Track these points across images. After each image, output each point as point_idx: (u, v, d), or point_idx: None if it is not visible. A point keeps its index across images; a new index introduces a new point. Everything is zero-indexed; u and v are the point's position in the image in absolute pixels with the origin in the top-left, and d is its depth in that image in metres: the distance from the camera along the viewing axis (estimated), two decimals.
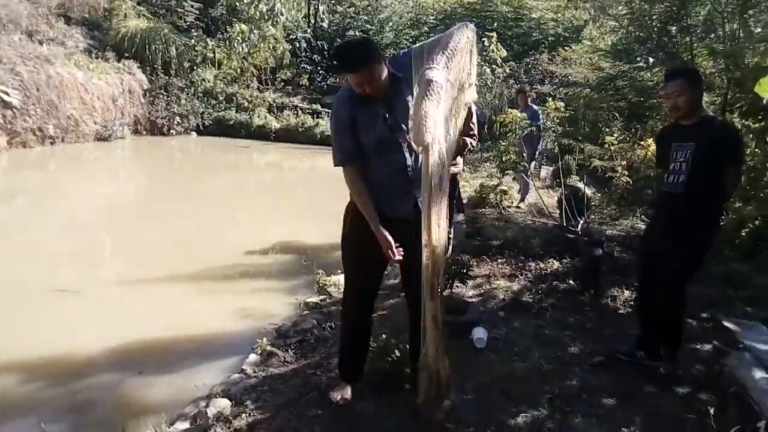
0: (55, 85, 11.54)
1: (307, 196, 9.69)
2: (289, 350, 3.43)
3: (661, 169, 3.22)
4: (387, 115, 2.33)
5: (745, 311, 3.70)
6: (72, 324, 3.94)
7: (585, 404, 2.73)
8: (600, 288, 4.19)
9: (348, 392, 2.68)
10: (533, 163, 7.33)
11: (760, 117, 4.90)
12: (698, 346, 3.44)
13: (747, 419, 2.19)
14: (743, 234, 4.99)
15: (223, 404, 2.77)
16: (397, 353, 2.78)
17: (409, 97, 2.24)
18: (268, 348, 3.41)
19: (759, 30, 5.04)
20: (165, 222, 6.91)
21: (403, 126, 2.32)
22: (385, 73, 2.31)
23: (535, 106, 7.45)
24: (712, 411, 2.42)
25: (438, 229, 2.15)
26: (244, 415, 2.69)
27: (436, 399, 2.33)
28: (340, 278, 4.64)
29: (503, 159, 5.02)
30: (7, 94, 10.10)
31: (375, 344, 2.84)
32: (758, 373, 2.29)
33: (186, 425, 2.61)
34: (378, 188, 2.40)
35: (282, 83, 17.59)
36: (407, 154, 2.39)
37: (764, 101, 4.65)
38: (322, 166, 12.89)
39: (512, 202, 7.11)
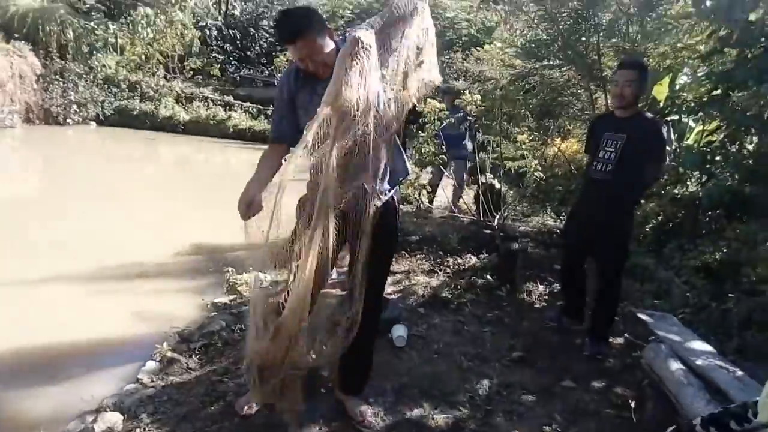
0: None
1: (218, 192, 9.19)
2: (193, 356, 3.13)
3: (588, 156, 3.43)
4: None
5: (654, 304, 3.82)
6: None
7: (505, 401, 2.68)
8: (516, 283, 4.20)
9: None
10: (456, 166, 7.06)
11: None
12: (611, 340, 3.50)
13: (665, 411, 2.19)
14: (647, 229, 5.20)
15: (114, 419, 2.45)
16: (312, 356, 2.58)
17: None
18: (169, 354, 3.09)
19: (654, 32, 5.24)
20: (61, 219, 6.26)
21: None
22: (329, 48, 2.09)
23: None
24: (632, 404, 2.43)
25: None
26: (138, 430, 2.39)
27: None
28: (251, 276, 4.36)
29: (422, 152, 4.93)
30: None
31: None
32: (674, 365, 2.31)
33: None
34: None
35: (191, 72, 16.78)
36: None
37: (660, 104, 4.91)
38: (234, 161, 12.41)
39: (431, 198, 7.07)
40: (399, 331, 3.13)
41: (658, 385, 2.35)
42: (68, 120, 13.56)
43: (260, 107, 15.29)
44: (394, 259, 4.53)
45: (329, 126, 1.87)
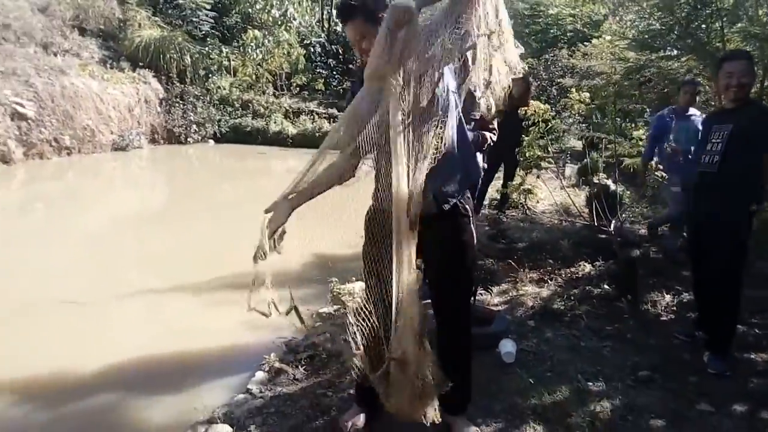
0: (70, 95, 11.47)
1: (326, 202, 9.43)
2: (299, 366, 3.15)
3: (698, 149, 3.27)
4: None
5: None
6: (73, 339, 3.70)
7: (631, 427, 2.40)
8: (638, 293, 3.83)
9: (361, 420, 2.38)
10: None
11: None
12: (753, 356, 3.08)
13: None
14: None
15: (224, 430, 2.50)
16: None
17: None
18: (277, 365, 3.13)
19: None
20: (181, 232, 6.70)
21: None
22: None
23: (697, 114, 4.87)
24: None
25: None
26: None
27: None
28: (355, 286, 4.35)
29: (527, 155, 4.68)
30: (22, 105, 10.04)
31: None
32: None
33: None
34: None
35: (297, 89, 17.44)
36: None
37: None
38: None
39: (537, 202, 6.75)
40: (507, 347, 2.94)
41: None
42: (189, 139, 14.59)
43: None
44: (497, 267, 4.37)
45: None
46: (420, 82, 1.82)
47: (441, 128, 1.89)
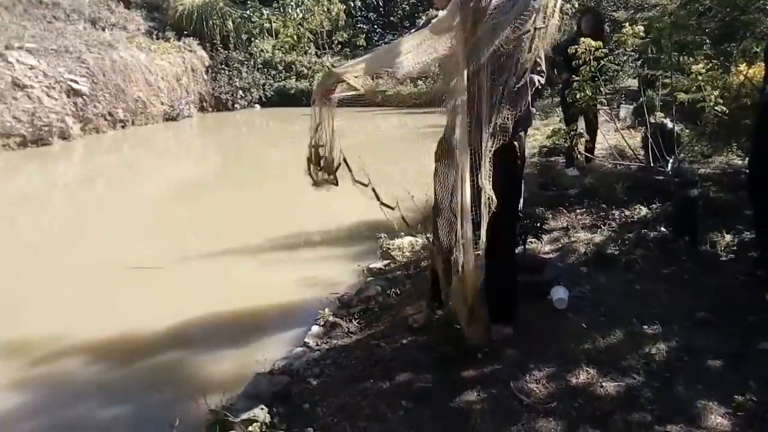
0: (120, 69, 11.79)
1: (371, 160, 9.44)
2: (353, 320, 3.24)
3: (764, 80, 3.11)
4: None
5: None
6: (140, 301, 3.94)
7: (688, 368, 2.36)
8: (697, 234, 3.69)
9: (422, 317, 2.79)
10: None
11: None
12: None
13: None
14: None
15: (285, 381, 2.63)
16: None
17: None
18: (331, 319, 3.23)
19: None
20: (234, 196, 6.92)
21: None
22: None
23: None
24: None
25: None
26: (306, 392, 2.53)
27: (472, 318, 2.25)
28: (403, 241, 4.40)
29: (577, 97, 4.49)
30: (76, 82, 10.42)
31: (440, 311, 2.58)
32: None
33: (246, 404, 2.47)
34: None
35: (339, 46, 17.27)
36: None
37: None
38: (384, 128, 12.64)
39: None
40: (559, 293, 2.92)
41: None
42: (236, 105, 14.80)
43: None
44: (551, 215, 4.30)
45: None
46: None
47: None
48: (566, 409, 2.11)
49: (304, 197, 6.78)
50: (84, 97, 10.62)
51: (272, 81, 15.62)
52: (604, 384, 2.26)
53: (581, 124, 6.02)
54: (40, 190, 7.73)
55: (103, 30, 12.54)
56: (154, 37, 13.71)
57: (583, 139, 6.01)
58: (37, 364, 3.13)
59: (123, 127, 11.77)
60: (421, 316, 2.87)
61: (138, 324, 3.51)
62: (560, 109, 6.59)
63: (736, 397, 2.12)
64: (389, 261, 4.15)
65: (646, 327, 2.66)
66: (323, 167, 2.54)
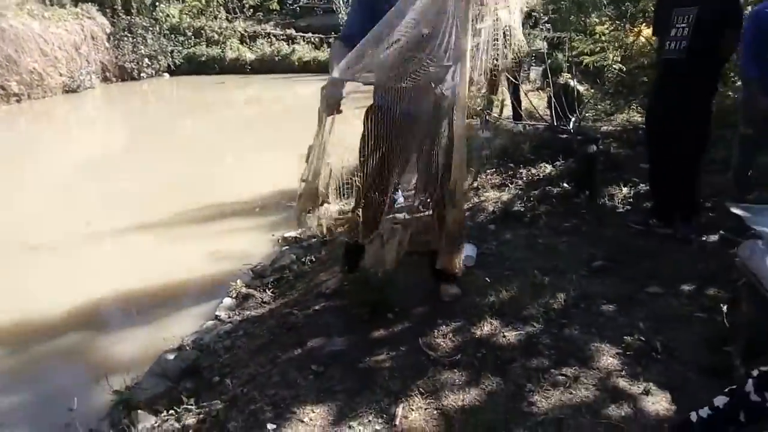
0: (11, 38, 10.82)
1: (286, 128, 9.27)
2: (267, 290, 3.21)
3: (658, 37, 3.30)
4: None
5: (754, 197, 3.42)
6: (42, 282, 3.72)
7: (583, 314, 2.50)
8: (596, 188, 3.90)
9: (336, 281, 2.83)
10: None
11: None
12: (704, 238, 3.19)
13: (761, 313, 1.95)
14: None
15: (193, 356, 2.56)
16: (380, 282, 2.53)
17: None
18: (244, 290, 3.18)
19: None
20: (142, 170, 6.56)
21: None
22: None
23: None
24: (724, 308, 2.19)
25: None
26: (215, 365, 2.48)
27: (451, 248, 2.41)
28: (320, 209, 4.35)
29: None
30: None
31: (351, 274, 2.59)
32: None
33: (153, 382, 2.40)
34: None
35: (251, 10, 16.59)
36: None
37: None
38: (303, 94, 12.38)
39: (499, 108, 6.68)
40: (467, 251, 2.98)
41: (754, 285, 2.08)
42: (142, 74, 14.00)
43: (322, 36, 15.00)
44: None
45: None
46: None
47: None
48: (470, 360, 2.19)
49: (218, 168, 6.62)
50: None
51: (181, 48, 14.88)
52: (506, 334, 2.36)
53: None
54: None
55: None
56: (48, 3, 12.63)
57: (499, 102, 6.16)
58: None
59: (18, 101, 10.88)
60: (334, 282, 2.88)
61: (38, 306, 3.31)
62: None
63: (625, 338, 2.28)
64: (304, 229, 4.11)
65: (546, 278, 2.79)
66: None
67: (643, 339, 2.28)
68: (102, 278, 3.72)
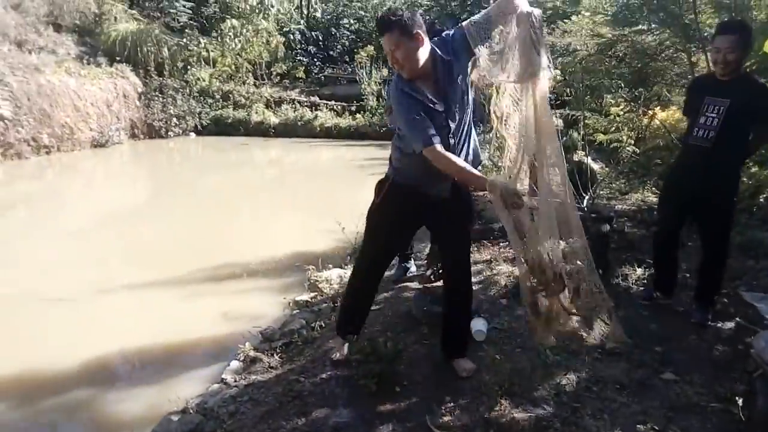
0: (47, 93, 11.32)
1: (305, 191, 9.46)
2: (275, 354, 3.18)
3: (688, 118, 3.31)
4: (432, 97, 2.32)
5: None
6: (51, 335, 3.74)
7: (595, 398, 2.46)
8: (610, 267, 3.88)
9: (345, 349, 2.78)
10: None
11: None
12: (719, 324, 3.15)
13: None
14: (761, 200, 4.65)
15: (196, 420, 2.53)
16: (387, 354, 2.52)
17: (460, 81, 2.34)
18: (252, 353, 3.17)
19: None
20: (163, 226, 6.70)
21: (454, 109, 2.35)
22: (420, 51, 2.28)
23: None
24: (739, 400, 2.14)
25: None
26: (218, 431, 2.45)
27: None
28: (332, 273, 4.39)
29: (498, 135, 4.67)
30: None
31: (362, 344, 2.58)
32: None
33: None
34: (417, 166, 2.39)
35: (278, 77, 17.27)
36: (452, 132, 2.39)
37: None
38: (323, 158, 12.69)
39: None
40: (478, 325, 2.98)
41: None
42: (170, 132, 14.45)
43: (344, 104, 15.50)
44: (475, 248, 4.41)
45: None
46: None
47: None
48: None
49: (235, 227, 6.72)
50: (5, 121, 10.11)
51: (209, 109, 15.40)
52: (515, 415, 2.31)
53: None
54: None
55: (30, 53, 12.05)
56: (85, 62, 13.28)
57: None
58: None
59: (48, 153, 11.25)
60: (344, 349, 2.86)
61: (44, 360, 3.32)
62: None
63: (638, 426, 2.22)
64: (316, 293, 4.13)
65: (558, 358, 2.75)
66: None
67: (656, 428, 2.22)
68: (112, 333, 3.74)
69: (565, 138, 7.47)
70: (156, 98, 14.34)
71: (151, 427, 2.55)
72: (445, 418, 2.30)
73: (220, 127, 15.14)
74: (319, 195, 8.91)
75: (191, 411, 2.64)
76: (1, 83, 10.40)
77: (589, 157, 6.24)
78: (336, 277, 4.34)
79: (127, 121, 13.70)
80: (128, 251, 5.71)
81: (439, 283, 3.63)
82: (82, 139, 12.16)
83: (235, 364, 3.11)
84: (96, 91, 12.86)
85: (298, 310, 3.89)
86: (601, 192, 6.33)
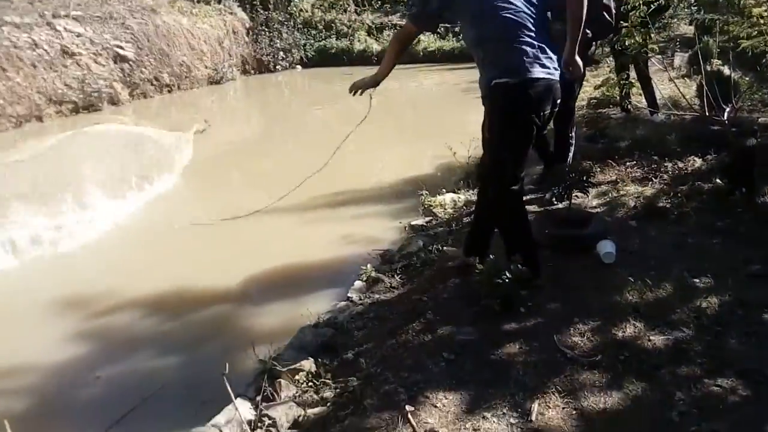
0: (164, 34, 11.89)
1: (412, 117, 9.38)
2: (395, 276, 3.26)
3: None
4: None
5: None
6: (192, 257, 4.10)
7: (740, 322, 2.28)
8: (754, 185, 3.51)
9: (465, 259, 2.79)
10: None
11: None
12: None
13: None
14: None
15: (329, 333, 2.68)
16: (508, 274, 2.47)
17: None
18: (374, 274, 3.26)
19: None
20: (278, 157, 7.02)
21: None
22: None
23: None
24: None
25: None
26: (350, 344, 2.58)
27: None
28: (445, 198, 4.37)
29: (627, 45, 4.26)
30: (122, 48, 10.60)
31: (482, 266, 2.55)
32: None
33: (292, 355, 2.54)
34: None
35: (379, 2, 16.89)
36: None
37: None
38: (427, 83, 12.43)
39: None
40: (606, 247, 2.84)
41: None
42: (277, 66, 14.77)
43: (447, 25, 14.93)
44: (599, 168, 4.18)
45: None
46: None
47: None
48: (611, 362, 2.08)
49: (347, 155, 6.82)
50: (130, 62, 10.81)
51: (312, 41, 15.51)
52: (651, 337, 2.21)
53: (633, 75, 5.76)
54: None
55: None
56: (195, 0, 13.73)
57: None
58: (94, 317, 3.30)
59: (169, 91, 11.95)
60: (459, 261, 2.91)
61: (189, 278, 3.65)
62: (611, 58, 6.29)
63: None
64: (431, 218, 4.14)
65: (697, 280, 2.57)
66: None
67: None
68: (243, 255, 4.03)
69: (698, 45, 6.72)
70: (263, 33, 14.62)
71: (288, 338, 2.73)
72: (574, 339, 2.25)
73: (324, 59, 15.24)
74: (426, 121, 8.79)
75: (322, 325, 2.80)
76: (123, 26, 11.05)
77: (729, 66, 5.58)
78: (449, 202, 4.31)
79: (238, 57, 14.14)
80: (249, 180, 6.04)
81: (561, 206, 3.51)
82: (198, 77, 12.76)
83: (358, 284, 3.23)
84: (207, 29, 13.32)
85: (414, 234, 3.93)
86: (741, 104, 5.69)
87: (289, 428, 2.09)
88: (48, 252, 4.18)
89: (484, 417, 1.86)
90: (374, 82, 2.72)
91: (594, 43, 4.12)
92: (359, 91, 2.77)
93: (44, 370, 2.81)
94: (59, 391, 2.69)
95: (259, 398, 2.12)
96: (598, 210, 3.55)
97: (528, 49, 2.28)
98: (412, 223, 4.14)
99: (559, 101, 2.43)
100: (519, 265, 2.41)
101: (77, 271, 3.95)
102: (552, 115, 2.47)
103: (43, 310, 3.38)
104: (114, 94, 10.45)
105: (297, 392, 2.23)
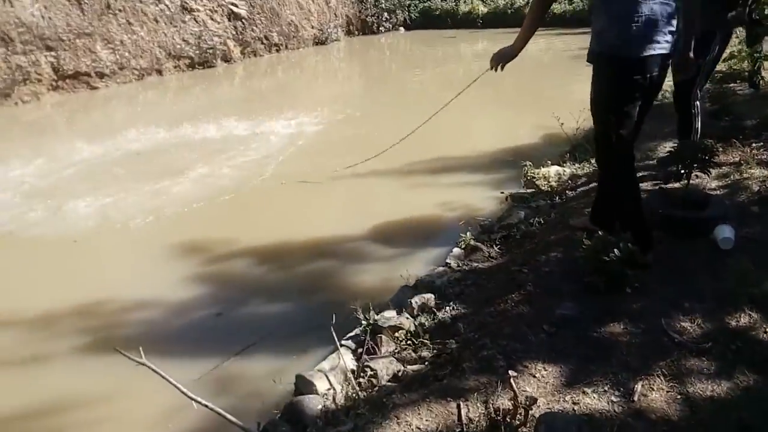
0: None
1: (514, 84, 9.11)
2: (494, 245, 3.27)
3: None
4: None
5: None
6: (298, 213, 4.33)
7: None
8: None
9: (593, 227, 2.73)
10: None
11: None
12: None
13: None
14: None
15: (428, 296, 2.76)
16: (617, 251, 2.41)
17: None
18: (472, 242, 3.29)
19: None
20: (377, 120, 7.13)
21: None
22: None
23: None
24: None
25: None
26: (447, 308, 2.65)
27: None
28: (550, 170, 4.27)
29: (766, 13, 3.89)
30: (236, 5, 11.05)
31: (588, 241, 2.51)
32: None
33: (392, 313, 2.66)
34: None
35: None
36: None
37: None
38: (533, 50, 11.96)
39: None
40: (725, 233, 2.68)
41: None
42: (381, 28, 14.82)
43: None
44: (722, 148, 3.91)
45: None
46: None
47: None
48: (722, 351, 2.00)
49: (446, 122, 6.80)
50: (243, 20, 11.27)
51: (417, 1, 15.34)
52: None
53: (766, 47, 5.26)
54: (203, 107, 8.40)
55: None
56: None
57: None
58: (211, 263, 3.59)
59: (277, 50, 12.38)
60: (582, 221, 2.92)
61: (295, 233, 3.86)
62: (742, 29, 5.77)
63: None
64: (533, 189, 4.07)
65: None
66: None
67: None
68: (345, 214, 4.23)
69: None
70: None
71: (386, 297, 2.85)
72: (683, 324, 2.18)
73: (428, 20, 15.09)
74: (530, 89, 8.52)
75: (421, 287, 2.88)
76: None
77: None
78: (554, 174, 4.21)
79: (344, 18, 14.32)
80: (349, 142, 6.18)
81: (678, 185, 3.33)
82: (305, 37, 13.09)
83: (457, 250, 3.28)
84: None
85: (514, 205, 3.89)
86: None
87: (389, 381, 2.20)
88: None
89: (584, 392, 1.87)
90: (514, 52, 2.59)
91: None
92: (501, 66, 2.62)
93: (172, 305, 3.12)
94: (186, 324, 2.97)
95: (361, 350, 2.25)
96: (718, 192, 3.34)
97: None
98: (513, 193, 4.10)
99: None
100: (629, 244, 2.34)
101: (202, 220, 4.28)
102: (662, 78, 2.37)
103: (172, 252, 3.72)
104: (227, 52, 10.97)
105: (396, 349, 2.34)
